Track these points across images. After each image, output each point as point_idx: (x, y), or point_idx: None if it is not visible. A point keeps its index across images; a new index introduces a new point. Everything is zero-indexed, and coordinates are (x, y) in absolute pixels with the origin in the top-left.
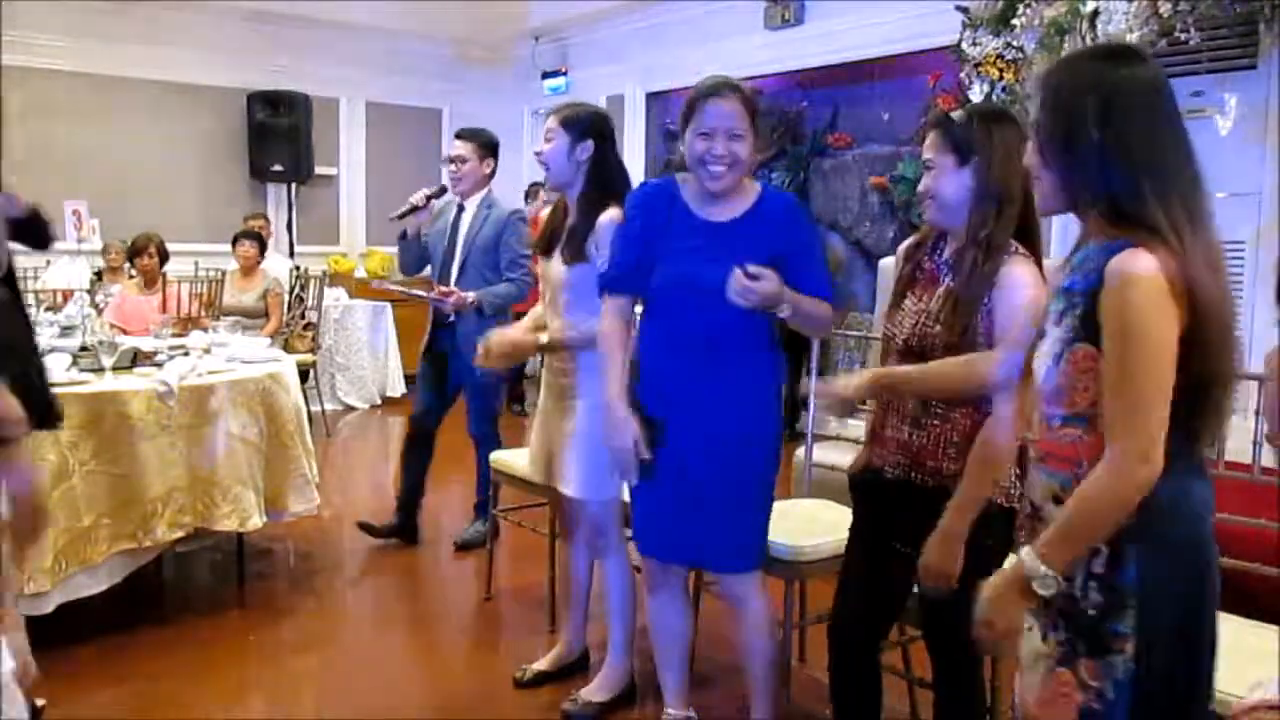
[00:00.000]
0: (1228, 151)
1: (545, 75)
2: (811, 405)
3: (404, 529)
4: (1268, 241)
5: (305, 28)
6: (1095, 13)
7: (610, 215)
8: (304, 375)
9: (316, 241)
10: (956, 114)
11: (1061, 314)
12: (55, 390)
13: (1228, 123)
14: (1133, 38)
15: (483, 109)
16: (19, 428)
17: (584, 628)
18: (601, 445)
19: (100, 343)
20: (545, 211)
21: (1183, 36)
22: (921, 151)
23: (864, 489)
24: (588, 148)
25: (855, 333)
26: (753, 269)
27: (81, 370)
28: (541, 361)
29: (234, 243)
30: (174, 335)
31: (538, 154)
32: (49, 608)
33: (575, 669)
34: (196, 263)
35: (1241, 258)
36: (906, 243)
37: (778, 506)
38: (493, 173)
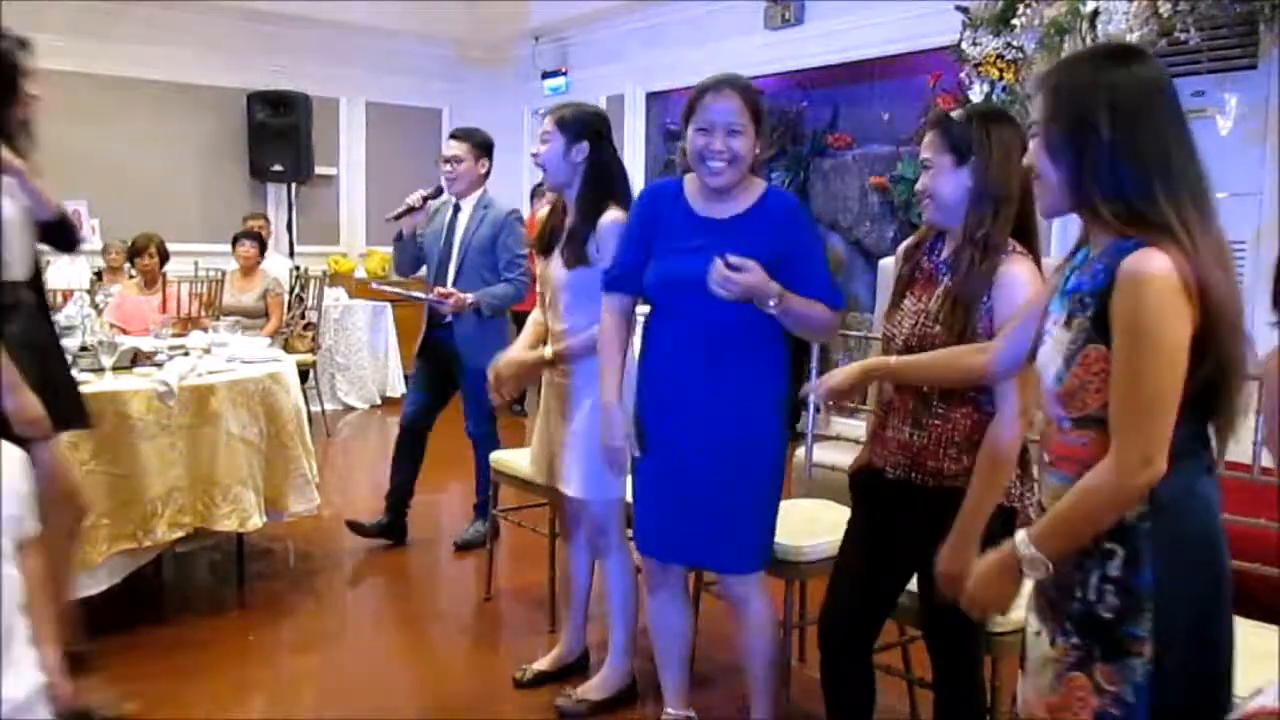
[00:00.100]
0: (1228, 151)
1: (545, 75)
2: (811, 405)
3: (392, 528)
4: (1268, 242)
5: (305, 28)
6: (1095, 13)
7: (612, 217)
8: (304, 375)
9: (316, 241)
10: (955, 114)
11: (1070, 316)
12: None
13: (1228, 123)
14: (1133, 38)
15: (483, 109)
16: (38, 427)
17: (584, 628)
18: (600, 447)
19: (100, 343)
20: (543, 211)
21: (1183, 36)
22: (920, 151)
23: (864, 489)
24: (584, 148)
25: (855, 333)
26: (734, 259)
27: (81, 370)
28: None
29: (234, 243)
30: (174, 335)
31: (534, 155)
32: None
33: (575, 669)
34: (196, 263)
35: (1242, 258)
36: (905, 243)
37: None
38: (488, 173)
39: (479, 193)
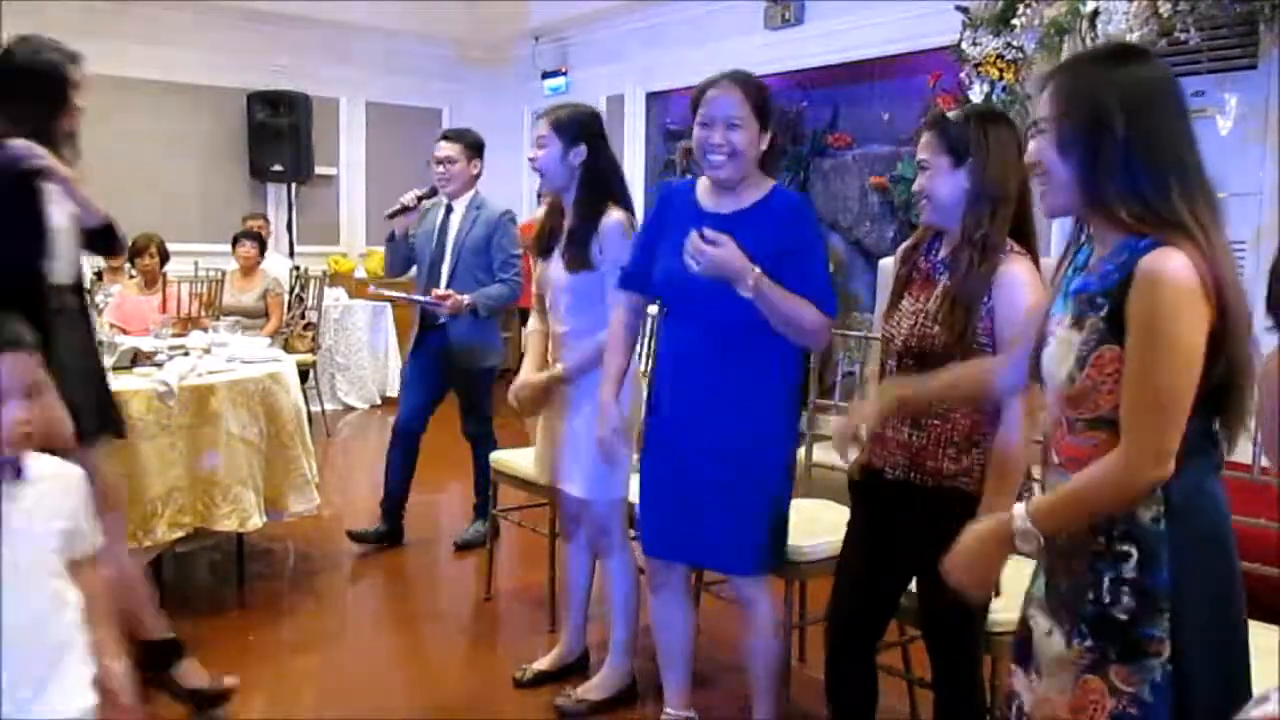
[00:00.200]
0: (1228, 151)
1: (545, 75)
2: (811, 404)
3: (390, 534)
4: (1268, 242)
5: (305, 28)
6: (1095, 13)
7: (614, 218)
8: (304, 375)
9: (316, 241)
10: (952, 114)
11: (1079, 317)
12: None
13: (1228, 123)
14: (1133, 38)
15: (483, 109)
16: (65, 444)
17: (584, 628)
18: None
19: (100, 343)
20: (540, 212)
21: (1183, 36)
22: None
23: (863, 490)
24: (581, 151)
25: (855, 333)
26: (709, 233)
27: None
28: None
29: (234, 243)
30: (174, 335)
31: (531, 160)
32: None
33: (575, 669)
34: (196, 263)
35: (1242, 258)
36: (903, 245)
37: None
38: (479, 173)
39: (471, 193)
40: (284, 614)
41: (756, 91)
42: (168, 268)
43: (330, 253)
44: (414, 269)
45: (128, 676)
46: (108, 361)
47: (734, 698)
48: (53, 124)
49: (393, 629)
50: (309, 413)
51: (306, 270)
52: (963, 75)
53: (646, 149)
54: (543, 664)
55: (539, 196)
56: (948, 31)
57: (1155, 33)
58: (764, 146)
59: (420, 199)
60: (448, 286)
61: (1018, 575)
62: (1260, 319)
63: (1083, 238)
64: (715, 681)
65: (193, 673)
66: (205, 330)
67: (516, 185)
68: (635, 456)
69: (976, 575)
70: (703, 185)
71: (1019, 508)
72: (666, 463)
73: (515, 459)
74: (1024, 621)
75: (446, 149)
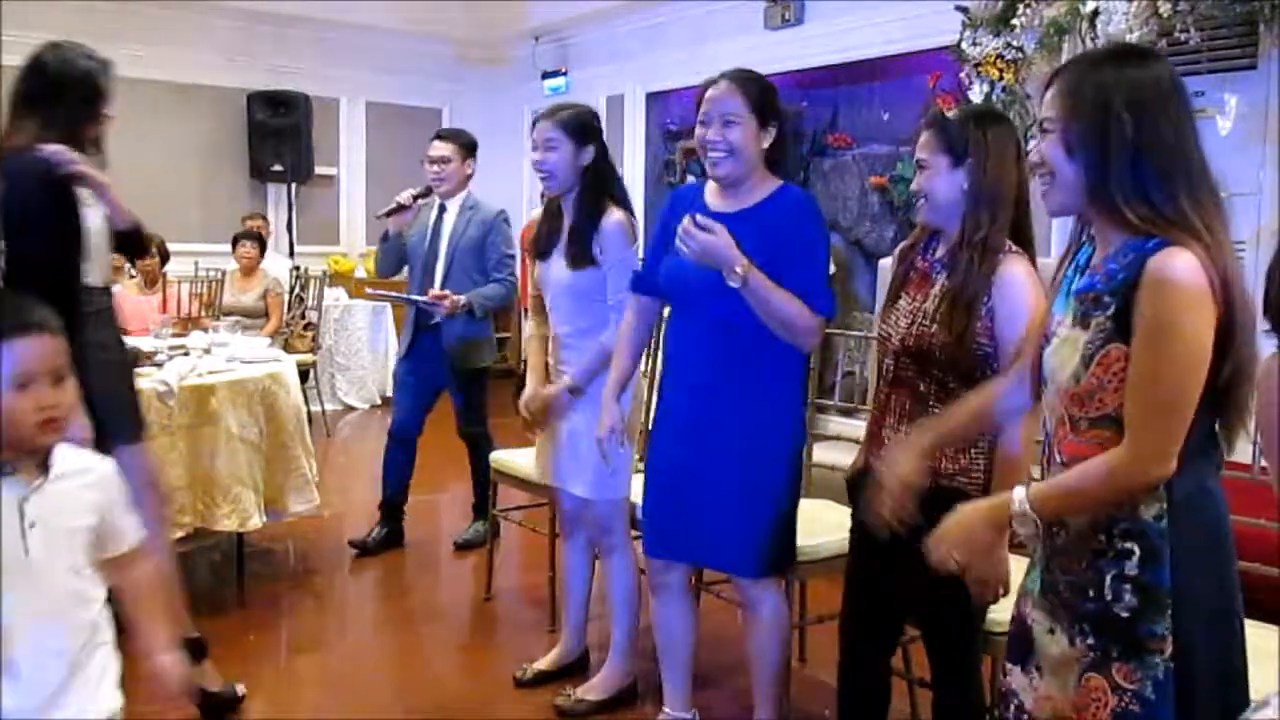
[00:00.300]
0: (1228, 151)
1: (545, 75)
2: (811, 404)
3: (390, 538)
4: (1268, 242)
5: (305, 28)
6: (1095, 13)
7: (615, 218)
8: (304, 375)
9: (316, 241)
10: (951, 113)
11: (1083, 316)
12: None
13: (1228, 123)
14: (1132, 38)
15: (483, 109)
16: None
17: (584, 628)
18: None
19: None
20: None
21: (1183, 36)
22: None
23: (862, 490)
24: (590, 152)
25: (856, 333)
26: (701, 219)
27: None
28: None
29: (234, 243)
30: (174, 335)
31: (539, 163)
32: None
33: (575, 669)
34: (196, 263)
35: (1242, 258)
36: (900, 245)
37: None
38: (472, 173)
39: (464, 194)
40: (284, 614)
41: (756, 89)
42: (168, 268)
43: (330, 253)
44: (405, 269)
45: (180, 670)
46: None
47: (734, 698)
48: (83, 130)
49: (393, 629)
50: (309, 413)
51: (306, 270)
52: (963, 75)
53: (646, 149)
54: (543, 664)
55: (542, 197)
56: (948, 31)
57: (1155, 33)
58: (765, 144)
59: (416, 198)
60: (442, 286)
61: (1018, 574)
62: (1259, 321)
63: (1083, 237)
64: (715, 681)
65: (208, 675)
66: (205, 330)
67: (516, 185)
68: (636, 456)
69: (966, 553)
70: (711, 186)
71: (1018, 491)
72: (670, 462)
73: (515, 459)
74: (1019, 619)
75: (441, 148)
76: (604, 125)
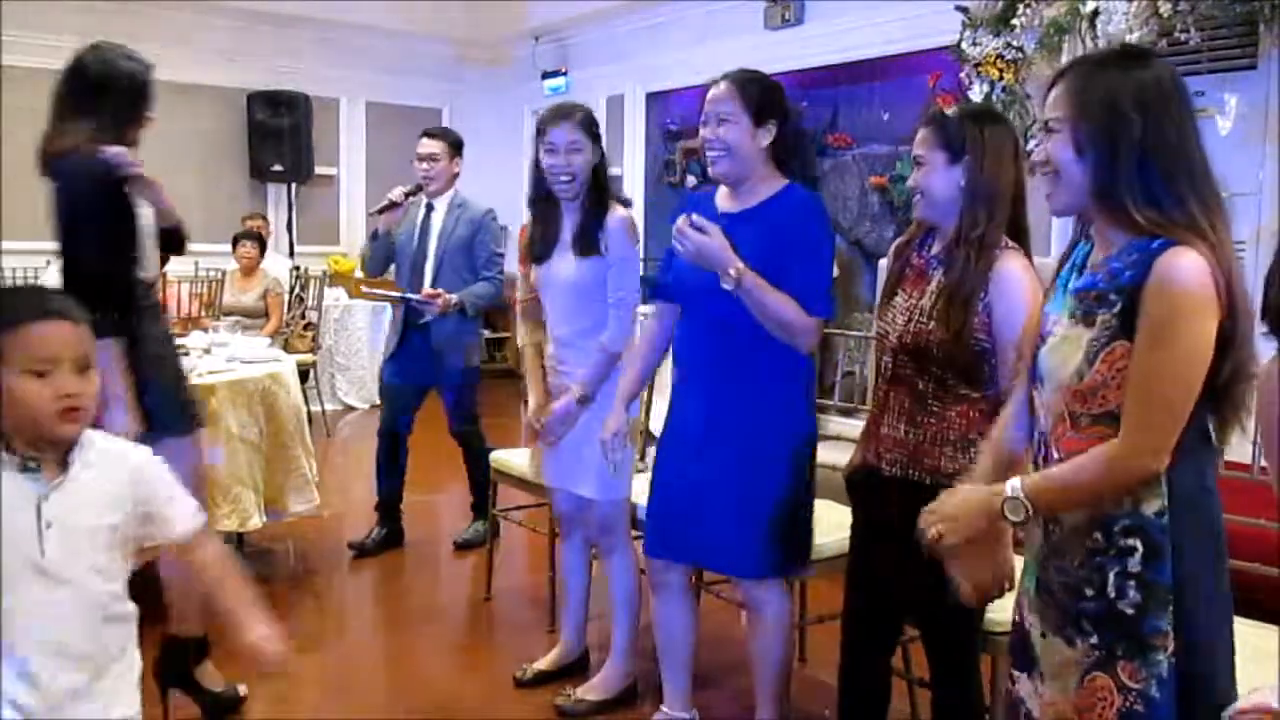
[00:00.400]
0: (1228, 151)
1: (545, 75)
2: None
3: (390, 538)
4: (1268, 242)
5: (305, 28)
6: (1095, 13)
7: (621, 215)
8: (304, 375)
9: (316, 241)
10: (949, 110)
11: (1088, 314)
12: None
13: (1228, 123)
14: (1132, 38)
15: (483, 109)
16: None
17: (584, 628)
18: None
19: None
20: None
21: (1183, 36)
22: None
23: (861, 488)
24: (599, 151)
25: (855, 333)
26: (697, 219)
27: None
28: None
29: (234, 243)
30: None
31: (564, 168)
32: None
33: (575, 669)
34: (196, 263)
35: (1242, 258)
36: (896, 241)
37: None
38: (459, 172)
39: (451, 192)
40: (284, 614)
41: (754, 88)
42: (168, 267)
43: (330, 253)
44: (392, 268)
45: (276, 645)
46: None
47: (734, 698)
48: (128, 131)
49: (392, 629)
50: (309, 413)
51: (306, 270)
52: (963, 75)
53: (646, 149)
54: (543, 664)
55: (535, 201)
56: (948, 31)
57: (1155, 33)
58: (764, 142)
59: (407, 195)
60: (433, 285)
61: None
62: (1257, 323)
63: (1081, 236)
64: (715, 681)
65: (211, 675)
66: (205, 330)
67: (516, 185)
68: (636, 456)
69: (952, 530)
70: (722, 189)
71: (1013, 481)
72: (673, 463)
73: (515, 459)
74: (1018, 625)
75: (430, 146)
76: (604, 125)
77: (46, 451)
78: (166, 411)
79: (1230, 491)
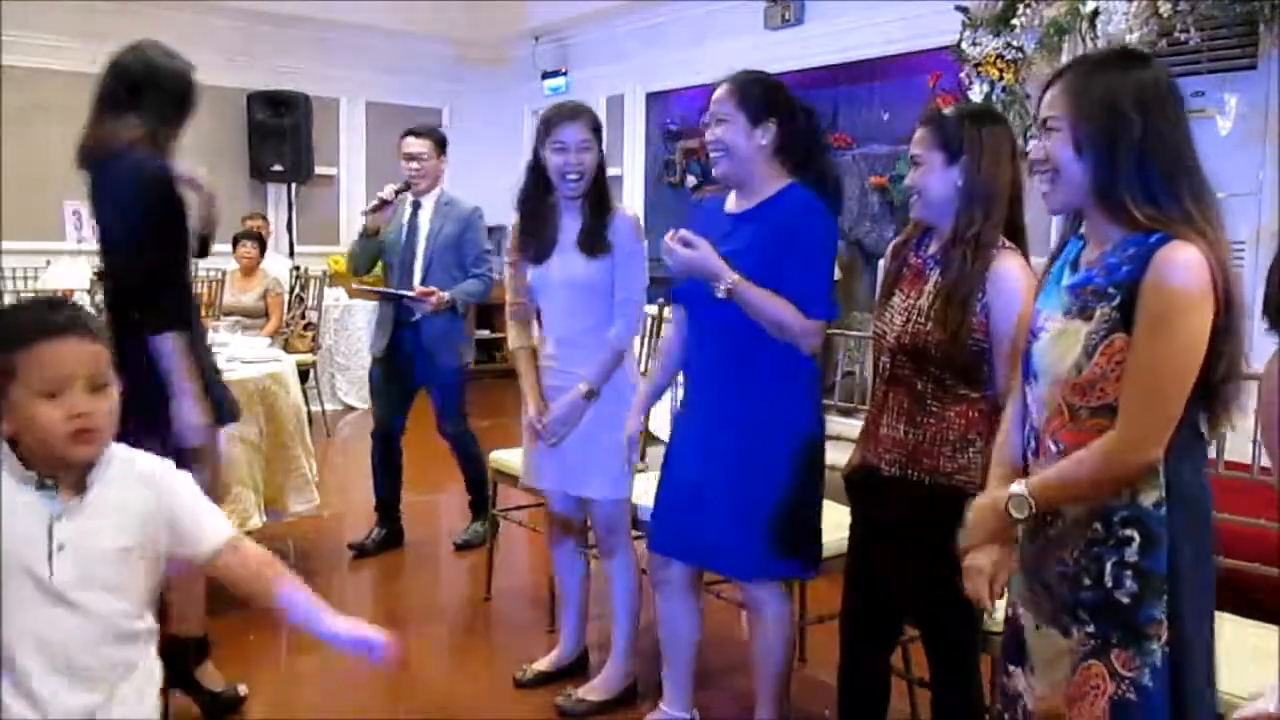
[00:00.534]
0: (1228, 151)
1: (545, 75)
2: None
3: (389, 538)
4: (1268, 242)
5: (305, 28)
6: (1095, 13)
7: (628, 213)
8: (304, 375)
9: (316, 241)
10: (947, 110)
11: (1085, 308)
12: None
13: (1228, 123)
14: (1132, 38)
15: (483, 109)
16: (198, 435)
17: (583, 628)
18: (615, 446)
19: None
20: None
21: (1183, 37)
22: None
23: (860, 488)
24: (601, 151)
25: (855, 333)
26: (684, 234)
27: None
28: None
29: (234, 243)
30: None
31: (576, 167)
32: None
33: (575, 669)
34: (196, 263)
35: (1241, 258)
36: (893, 241)
37: None
38: (444, 169)
39: (438, 190)
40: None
41: (751, 87)
42: None
43: (330, 253)
44: (378, 266)
45: (374, 633)
46: None
47: (734, 698)
48: (171, 132)
49: (393, 629)
50: (309, 413)
51: (306, 270)
52: (963, 75)
53: (647, 149)
54: (543, 664)
55: (527, 201)
56: (948, 31)
57: (1155, 33)
58: (763, 141)
59: (398, 193)
60: (423, 283)
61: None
62: (1257, 320)
63: (1072, 233)
64: (715, 681)
65: (211, 675)
66: (205, 330)
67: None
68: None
69: (969, 537)
70: (732, 191)
71: (1018, 482)
72: (678, 463)
73: (515, 459)
74: (1011, 620)
75: (417, 144)
76: (604, 125)
77: (63, 471)
78: (220, 404)
79: (1230, 491)
